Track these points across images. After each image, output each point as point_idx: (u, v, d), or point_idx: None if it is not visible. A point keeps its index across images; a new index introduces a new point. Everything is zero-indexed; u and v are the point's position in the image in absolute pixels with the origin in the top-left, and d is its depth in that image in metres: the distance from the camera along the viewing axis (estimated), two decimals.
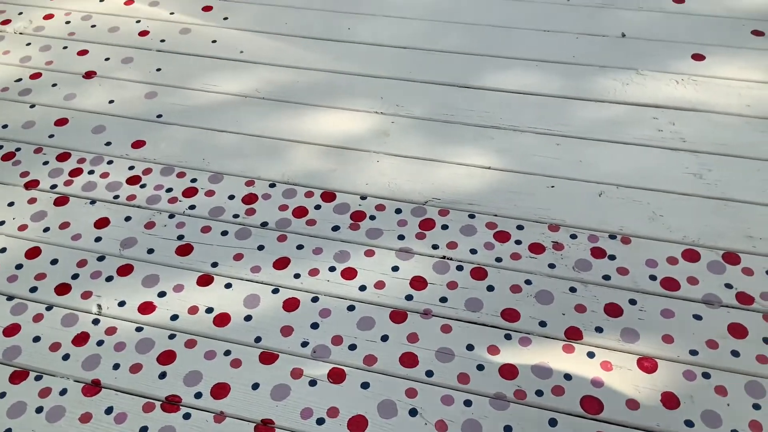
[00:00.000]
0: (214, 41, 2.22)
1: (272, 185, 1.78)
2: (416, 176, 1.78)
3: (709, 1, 2.21)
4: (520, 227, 1.65)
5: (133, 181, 1.80)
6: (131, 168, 1.84)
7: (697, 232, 1.60)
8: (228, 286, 1.56)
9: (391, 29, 2.21)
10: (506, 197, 1.71)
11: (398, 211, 1.70)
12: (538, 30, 2.17)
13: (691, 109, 1.87)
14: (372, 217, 1.69)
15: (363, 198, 1.73)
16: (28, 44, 2.25)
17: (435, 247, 1.62)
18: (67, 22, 2.33)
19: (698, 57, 2.02)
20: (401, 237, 1.64)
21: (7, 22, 2.35)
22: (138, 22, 2.31)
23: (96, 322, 1.51)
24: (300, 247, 1.63)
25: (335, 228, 1.67)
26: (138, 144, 1.90)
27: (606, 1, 2.25)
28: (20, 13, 2.38)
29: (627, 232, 1.61)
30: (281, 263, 1.60)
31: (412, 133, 1.89)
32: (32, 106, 2.03)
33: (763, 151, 1.76)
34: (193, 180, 1.80)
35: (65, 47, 2.23)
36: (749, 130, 1.81)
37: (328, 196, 1.75)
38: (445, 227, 1.66)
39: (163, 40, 2.23)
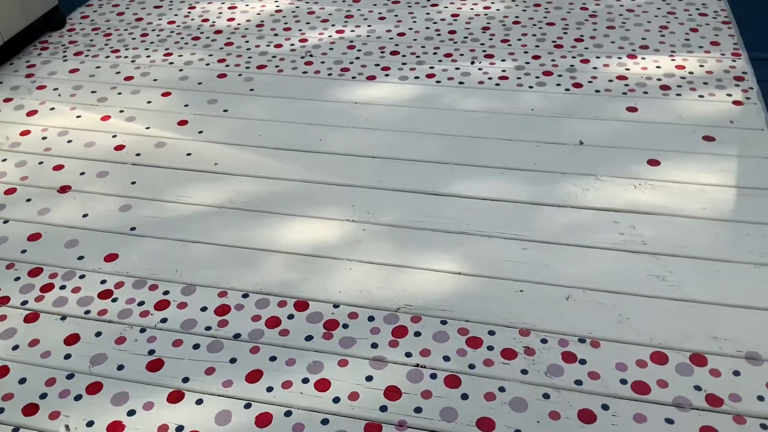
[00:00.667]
0: (189, 154, 2.28)
1: (245, 295, 1.79)
2: (388, 283, 1.80)
3: (661, 110, 2.35)
4: (491, 333, 1.67)
5: (104, 295, 1.80)
6: (103, 282, 1.84)
7: (663, 334, 1.63)
8: (199, 402, 1.54)
9: (360, 139, 2.30)
10: (477, 302, 1.74)
11: (371, 318, 1.71)
12: (502, 139, 2.27)
13: (649, 213, 1.95)
14: (345, 326, 1.70)
15: (336, 306, 1.75)
16: (4, 160, 2.29)
17: (408, 354, 1.62)
18: (44, 138, 2.38)
19: (654, 162, 2.13)
20: (374, 345, 1.65)
21: None
22: (114, 136, 2.37)
23: None
24: (273, 358, 1.63)
25: (308, 338, 1.67)
26: (111, 257, 1.91)
27: (564, 111, 2.37)
28: None
29: (596, 336, 1.64)
30: (254, 376, 1.59)
31: (383, 241, 1.93)
32: (5, 222, 2.04)
33: (720, 252, 1.82)
34: (166, 292, 1.81)
35: (41, 162, 2.27)
36: (706, 231, 1.89)
37: (301, 305, 1.76)
38: (417, 334, 1.67)
39: (138, 154, 2.29)
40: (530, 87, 2.52)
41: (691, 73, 2.53)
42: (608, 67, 2.59)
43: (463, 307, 1.73)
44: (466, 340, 1.65)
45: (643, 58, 2.63)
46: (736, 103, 2.37)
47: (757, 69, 2.54)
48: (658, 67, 2.57)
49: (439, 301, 1.75)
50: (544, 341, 1.64)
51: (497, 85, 2.54)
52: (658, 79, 2.50)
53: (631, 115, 2.33)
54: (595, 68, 2.59)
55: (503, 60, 2.69)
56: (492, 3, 3.10)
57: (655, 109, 2.36)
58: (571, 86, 2.50)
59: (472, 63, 2.68)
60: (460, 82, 2.57)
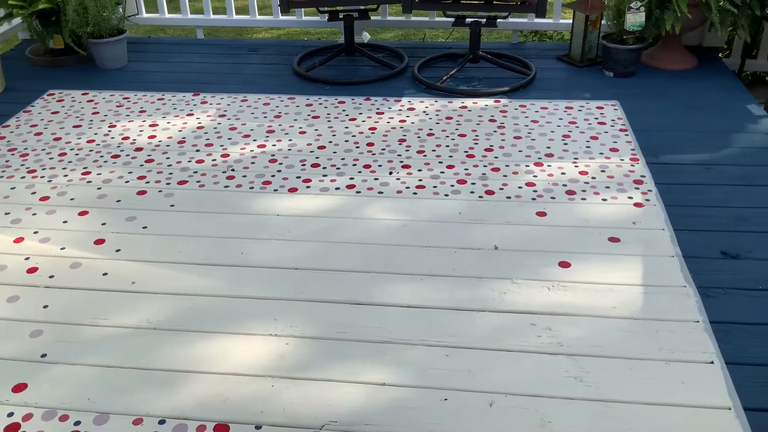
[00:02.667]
0: (105, 274, 2.23)
1: (162, 422, 1.72)
2: (312, 399, 1.78)
3: (568, 213, 2.48)
4: None
5: (11, 429, 1.70)
6: (10, 414, 1.74)
7: None
8: None
9: (283, 251, 2.32)
10: (402, 414, 1.73)
11: None
12: (420, 246, 2.33)
13: (564, 314, 2.02)
14: None
15: (258, 428, 1.70)
16: None
17: None
18: None
19: (564, 264, 2.22)
20: None
21: None
22: (27, 258, 2.31)
23: None
24: None
25: None
26: (19, 387, 1.81)
27: (478, 217, 2.47)
28: None
29: None
30: None
31: (306, 354, 1.91)
32: None
33: (632, 350, 1.89)
34: (77, 423, 1.72)
35: None
36: (617, 330, 1.96)
37: (222, 428, 1.70)
38: None
39: (52, 276, 2.23)
40: (446, 195, 2.62)
41: (593, 178, 2.70)
42: (517, 175, 2.74)
43: (388, 419, 1.72)
44: None
45: (549, 165, 2.79)
46: (637, 205, 2.53)
47: (654, 172, 2.74)
48: (563, 173, 2.74)
49: (364, 415, 1.73)
50: None
51: (414, 194, 2.64)
52: (564, 185, 2.66)
53: (540, 220, 2.45)
54: (505, 176, 2.73)
55: (419, 170, 2.80)
56: (407, 117, 3.26)
57: (563, 213, 2.49)
58: (484, 193, 2.62)
59: (390, 173, 2.78)
60: (380, 192, 2.65)
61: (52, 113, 3.36)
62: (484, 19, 3.60)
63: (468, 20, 3.64)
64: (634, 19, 3.44)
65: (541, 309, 2.04)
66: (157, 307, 2.08)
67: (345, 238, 2.39)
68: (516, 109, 3.30)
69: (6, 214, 2.56)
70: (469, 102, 3.39)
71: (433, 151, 2.95)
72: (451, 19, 3.72)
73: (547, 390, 1.78)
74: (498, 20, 3.68)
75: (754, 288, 2.12)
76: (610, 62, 3.63)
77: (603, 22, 3.74)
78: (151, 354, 1.92)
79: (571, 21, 3.82)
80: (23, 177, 2.80)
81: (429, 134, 3.09)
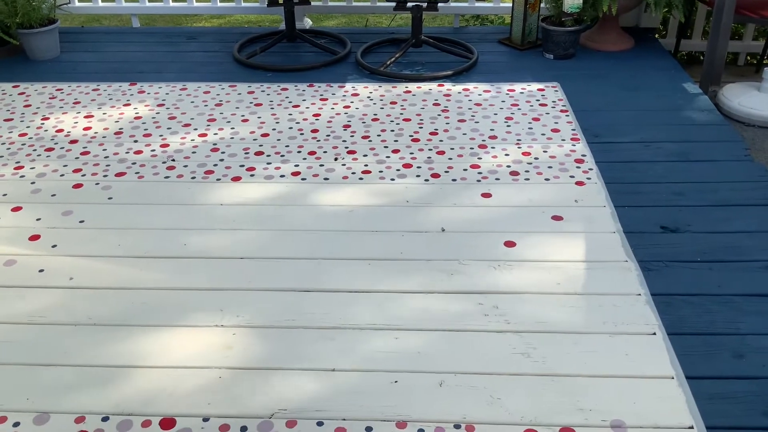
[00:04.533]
0: (41, 270, 2.15)
1: (105, 419, 1.67)
2: (261, 388, 1.75)
3: (513, 194, 2.50)
4: (368, 429, 1.64)
5: None
6: None
7: (533, 411, 1.67)
8: None
9: (227, 241, 2.27)
10: (352, 398, 1.72)
11: (244, 428, 1.64)
12: (368, 231, 2.32)
13: (510, 292, 2.04)
14: None
15: (205, 420, 1.67)
16: None
17: None
18: None
19: (510, 243, 2.24)
20: None
21: None
22: None
23: None
24: None
25: None
26: None
27: (425, 200, 2.47)
28: None
29: (470, 420, 1.66)
30: None
31: (254, 344, 1.88)
32: None
33: (577, 324, 1.92)
34: (16, 424, 1.65)
35: None
36: (562, 306, 1.99)
37: (168, 422, 1.66)
38: None
39: None
40: (392, 179, 2.61)
41: (536, 158, 2.73)
42: (462, 158, 2.74)
43: (338, 405, 1.70)
44: None
45: (493, 148, 2.81)
46: (578, 183, 2.57)
47: (595, 151, 2.79)
48: (506, 155, 2.76)
49: (314, 402, 1.71)
50: (421, 431, 1.63)
51: (361, 179, 2.62)
52: (508, 166, 2.68)
53: (486, 201, 2.47)
54: (450, 159, 2.74)
55: (365, 155, 2.78)
56: (351, 102, 3.23)
57: (507, 194, 2.51)
58: (430, 177, 2.62)
59: (336, 159, 2.76)
60: (325, 178, 2.63)
61: None
62: (426, 3, 3.60)
63: (409, 4, 3.63)
64: (572, 1, 3.49)
65: (488, 288, 2.06)
66: (97, 303, 2.02)
67: (291, 225, 2.36)
68: (459, 92, 3.31)
69: None
70: (412, 86, 3.38)
71: (378, 136, 2.93)
72: (393, 4, 3.70)
73: (496, 367, 1.79)
74: (439, 4, 3.68)
75: (693, 260, 2.18)
76: (550, 44, 3.67)
77: (542, 5, 3.78)
78: (92, 350, 1.86)
79: (511, 5, 3.85)
80: None
81: (374, 119, 3.07)
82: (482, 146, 2.83)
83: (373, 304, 2.01)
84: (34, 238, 2.31)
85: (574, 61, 3.66)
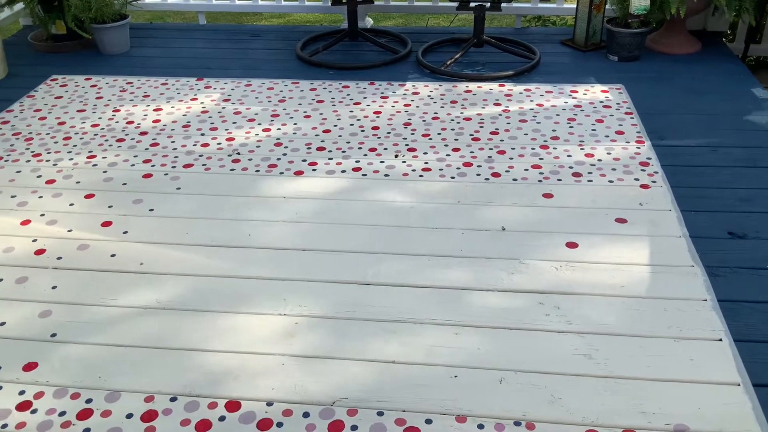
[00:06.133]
0: (113, 255, 2.24)
1: (173, 399, 1.72)
2: (322, 376, 1.78)
3: (575, 195, 2.48)
4: (428, 421, 1.66)
5: (23, 407, 1.70)
6: (22, 393, 1.74)
7: (594, 412, 1.66)
8: None
9: (290, 233, 2.32)
10: (412, 391, 1.74)
11: (306, 414, 1.68)
12: (427, 228, 2.34)
13: (572, 293, 2.03)
14: (279, 424, 1.66)
15: (269, 404, 1.71)
16: None
17: None
18: None
19: (572, 245, 2.23)
20: None
21: None
22: (34, 240, 2.31)
23: None
24: None
25: None
26: (30, 366, 1.82)
27: (485, 199, 2.47)
28: None
29: (531, 418, 1.66)
30: None
31: (315, 333, 1.92)
32: None
33: (641, 328, 1.90)
34: (88, 401, 1.72)
35: None
36: (626, 308, 1.97)
37: (233, 405, 1.71)
38: (354, 428, 1.64)
39: (59, 258, 2.23)
40: (452, 177, 2.62)
41: (599, 160, 2.70)
42: (523, 157, 2.73)
43: (398, 396, 1.72)
44: (403, 430, 1.64)
45: (555, 148, 2.79)
46: (643, 186, 2.53)
47: (660, 155, 2.74)
48: (569, 156, 2.74)
49: (374, 392, 1.74)
50: (480, 426, 1.64)
51: (421, 176, 2.64)
52: (570, 167, 2.66)
53: (547, 201, 2.45)
54: (511, 158, 2.73)
55: (425, 153, 2.80)
56: (412, 101, 3.25)
57: (569, 194, 2.49)
58: (491, 176, 2.62)
59: (396, 156, 2.78)
60: (386, 175, 2.65)
61: (55, 98, 3.35)
62: (489, 3, 3.59)
63: (472, 4, 3.63)
64: (639, 2, 3.43)
65: (549, 288, 2.05)
66: (166, 288, 2.09)
67: (352, 219, 2.39)
68: (521, 93, 3.30)
69: (12, 197, 2.56)
70: (473, 86, 3.38)
71: (439, 134, 2.94)
72: (455, 4, 3.70)
73: (557, 367, 1.79)
74: (502, 4, 3.67)
75: (761, 267, 2.13)
76: (614, 46, 3.62)
77: (607, 6, 3.73)
78: (161, 333, 1.92)
79: (574, 6, 3.81)
80: (28, 161, 2.80)
81: (434, 118, 3.09)
82: (544, 146, 2.81)
83: (432, 299, 2.03)
84: (107, 224, 2.40)
85: (638, 64, 3.60)
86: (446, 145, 2.85)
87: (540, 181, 2.58)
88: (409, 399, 1.71)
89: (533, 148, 2.80)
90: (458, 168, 2.68)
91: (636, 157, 2.72)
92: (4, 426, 1.65)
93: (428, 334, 1.91)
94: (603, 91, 3.28)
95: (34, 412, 1.69)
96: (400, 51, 3.77)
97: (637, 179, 2.57)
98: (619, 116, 3.04)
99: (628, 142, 2.83)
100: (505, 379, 1.76)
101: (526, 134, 2.91)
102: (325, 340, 1.90)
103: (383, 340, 1.89)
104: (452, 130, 2.98)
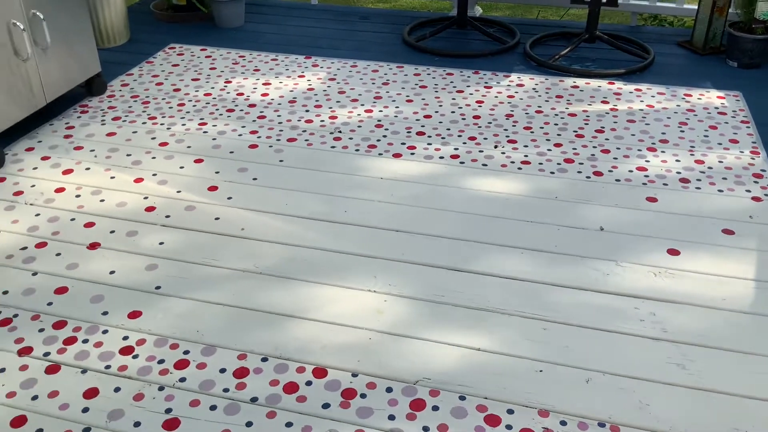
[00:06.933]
0: (216, 218, 2.34)
1: (264, 359, 1.79)
2: (407, 355, 1.81)
3: (681, 201, 2.39)
4: (510, 411, 1.66)
5: (126, 351, 1.82)
6: (125, 338, 1.86)
7: (684, 423, 1.61)
8: None
9: (385, 213, 2.35)
10: (496, 380, 1.74)
11: (389, 389, 1.71)
12: (522, 221, 2.31)
13: (670, 301, 1.96)
14: (363, 395, 1.69)
15: (354, 375, 1.75)
16: (37, 215, 2.35)
17: (426, 429, 1.61)
18: (77, 196, 2.45)
19: (673, 252, 2.15)
20: (392, 417, 1.64)
21: (19, 193, 2.47)
22: (146, 198, 2.44)
23: None
24: (289, 424, 1.62)
25: (325, 405, 1.67)
26: (134, 314, 1.93)
27: (585, 197, 2.42)
28: (33, 186, 2.51)
29: (616, 421, 1.62)
30: None
31: (404, 312, 1.94)
32: (34, 274, 2.08)
33: (742, 343, 1.82)
34: (186, 352, 1.82)
35: (73, 219, 2.33)
36: (727, 322, 1.89)
37: (320, 372, 1.76)
38: (435, 408, 1.66)
39: (168, 216, 2.35)
40: (552, 173, 2.58)
41: (710, 168, 2.59)
42: (628, 158, 2.66)
43: (482, 383, 1.73)
44: (484, 417, 1.64)
45: (663, 152, 2.70)
46: (755, 198, 2.41)
47: None
48: (677, 160, 2.64)
49: (458, 376, 1.75)
50: (563, 423, 1.62)
51: (519, 169, 2.61)
52: (678, 172, 2.56)
53: (650, 205, 2.38)
54: (615, 158, 2.66)
55: (525, 146, 2.77)
56: (516, 92, 3.21)
57: (675, 200, 2.40)
58: (592, 174, 2.56)
59: (495, 147, 2.76)
60: (484, 164, 2.64)
61: (172, 66, 3.51)
62: None
63: None
64: (766, 7, 3.25)
65: (645, 293, 1.99)
66: (264, 254, 2.17)
67: (447, 205, 2.40)
68: (631, 92, 3.20)
69: (128, 155, 2.71)
70: (581, 82, 3.30)
71: (541, 128, 2.90)
72: None
73: (648, 374, 1.74)
74: (619, 0, 3.55)
75: None
76: (735, 51, 3.45)
77: (731, 9, 3.55)
78: (257, 296, 2.00)
79: (695, 6, 3.65)
80: (144, 123, 2.95)
81: (537, 111, 3.04)
82: (651, 149, 2.72)
83: (523, 292, 2.01)
84: (213, 189, 2.50)
85: (760, 71, 3.42)
86: (548, 140, 2.81)
87: (644, 183, 2.50)
88: (492, 387, 1.72)
89: (639, 150, 2.71)
90: (559, 164, 2.64)
91: (749, 168, 2.59)
92: (107, 367, 1.77)
93: (516, 326, 1.90)
94: (719, 97, 3.14)
95: (135, 357, 1.80)
96: (508, 42, 3.72)
97: (748, 191, 2.45)
98: (734, 124, 2.90)
99: (742, 152, 2.70)
100: (592, 380, 1.73)
101: (633, 135, 2.83)
102: (412, 320, 1.92)
103: (470, 327, 1.89)
104: (555, 125, 2.92)
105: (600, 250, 2.17)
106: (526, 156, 2.70)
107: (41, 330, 1.88)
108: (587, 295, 1.99)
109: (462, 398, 1.69)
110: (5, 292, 2.01)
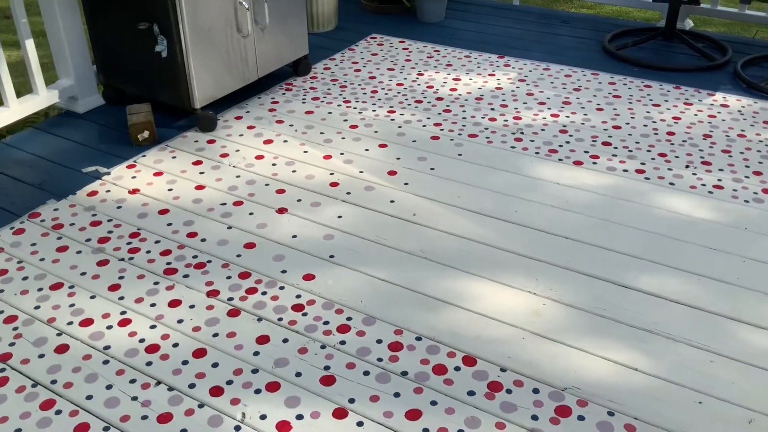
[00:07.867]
0: (392, 201, 2.45)
1: (418, 338, 1.87)
2: (559, 361, 1.80)
3: None
4: None
5: (297, 308, 1.98)
6: (298, 296, 2.03)
7: None
8: (360, 424, 1.63)
9: (556, 218, 2.33)
10: (649, 403, 1.68)
11: (536, 390, 1.72)
12: (705, 247, 2.19)
13: None
14: (509, 391, 1.72)
15: (503, 370, 1.78)
16: (238, 176, 2.62)
17: None
18: (273, 164, 2.69)
19: None
20: (535, 417, 1.65)
21: (225, 155, 2.76)
22: (331, 174, 2.62)
23: (237, 428, 1.63)
24: (434, 403, 1.69)
25: (470, 393, 1.71)
26: (308, 277, 2.10)
27: None
28: (237, 150, 2.79)
29: None
30: (413, 414, 1.66)
31: (561, 319, 1.93)
32: (229, 228, 2.33)
33: None
34: (349, 318, 1.95)
35: (267, 184, 2.57)
36: None
37: (470, 360, 1.81)
38: (581, 418, 1.64)
39: (348, 193, 2.51)
40: (746, 201, 2.41)
41: None
42: None
43: (634, 403, 1.68)
44: None
45: None
46: None
47: None
48: None
49: (609, 391, 1.71)
50: None
51: (710, 192, 2.46)
52: None
53: None
54: None
55: (721, 170, 2.60)
56: (718, 113, 3.02)
57: None
58: None
59: (687, 167, 2.62)
60: (671, 183, 2.52)
61: (371, 54, 3.70)
62: None
63: None
64: None
65: None
66: (431, 240, 2.25)
67: (623, 219, 2.33)
68: None
69: (321, 133, 2.92)
70: None
71: (741, 153, 2.71)
72: None
73: None
74: None
75: None
76: None
77: None
78: (420, 278, 2.09)
79: None
80: (339, 105, 3.16)
81: (739, 135, 2.84)
82: None
83: (692, 320, 1.91)
84: (392, 173, 2.63)
85: None
86: (747, 167, 2.62)
87: None
88: (645, 410, 1.66)
89: None
90: (755, 193, 2.45)
91: None
92: (279, 319, 1.95)
93: (680, 353, 1.81)
94: None
95: (304, 315, 1.96)
96: (717, 59, 3.49)
97: None
98: None
99: None
100: (755, 421, 1.62)
101: None
102: (570, 327, 1.90)
103: (630, 345, 1.84)
104: (758, 151, 2.71)
105: None
106: (719, 180, 2.54)
107: (228, 277, 2.10)
108: (763, 334, 1.85)
109: (611, 414, 1.66)
110: (203, 240, 2.27)
